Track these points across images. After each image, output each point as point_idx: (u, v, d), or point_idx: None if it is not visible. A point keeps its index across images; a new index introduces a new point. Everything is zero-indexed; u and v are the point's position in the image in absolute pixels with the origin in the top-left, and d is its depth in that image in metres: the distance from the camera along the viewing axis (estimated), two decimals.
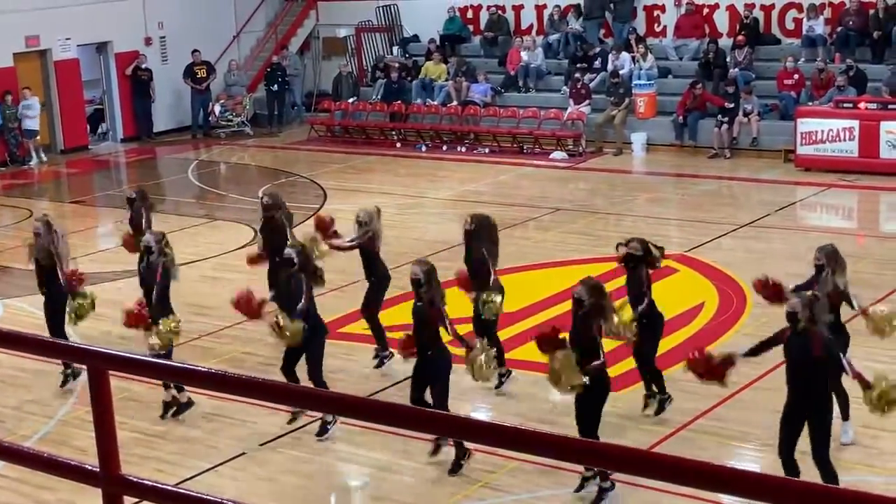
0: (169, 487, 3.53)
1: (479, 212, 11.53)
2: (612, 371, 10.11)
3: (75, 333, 12.45)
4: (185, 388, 10.63)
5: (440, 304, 9.38)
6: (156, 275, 10.61)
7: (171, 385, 10.73)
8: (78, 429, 10.38)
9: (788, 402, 8.46)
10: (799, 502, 2.62)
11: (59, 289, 11.28)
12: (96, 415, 3.32)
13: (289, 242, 11.25)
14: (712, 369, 8.65)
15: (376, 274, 11.67)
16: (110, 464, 3.30)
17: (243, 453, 10.01)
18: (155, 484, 3.48)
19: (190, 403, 10.74)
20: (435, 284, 9.45)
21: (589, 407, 8.85)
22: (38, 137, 23.76)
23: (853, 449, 9.63)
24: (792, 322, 8.33)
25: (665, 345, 11.85)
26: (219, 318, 13.27)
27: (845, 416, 9.55)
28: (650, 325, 10.03)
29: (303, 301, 9.95)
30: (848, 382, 8.86)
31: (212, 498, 3.26)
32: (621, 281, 10.52)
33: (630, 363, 10.54)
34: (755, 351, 8.79)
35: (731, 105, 21.23)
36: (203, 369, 3.26)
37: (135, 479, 3.38)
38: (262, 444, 10.15)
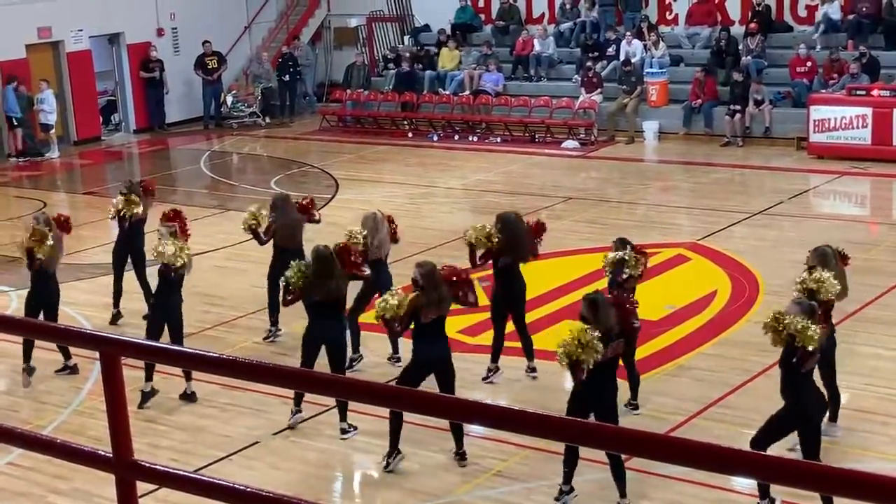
0: (182, 472, 3.56)
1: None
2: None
3: (88, 322, 12.51)
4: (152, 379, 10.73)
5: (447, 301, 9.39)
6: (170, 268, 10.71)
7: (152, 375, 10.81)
8: (92, 418, 10.44)
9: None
10: (818, 485, 2.62)
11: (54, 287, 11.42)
12: (109, 401, 3.34)
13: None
14: None
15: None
16: (123, 449, 3.32)
17: (256, 442, 10.05)
18: (168, 469, 3.50)
19: (154, 392, 10.78)
20: (438, 283, 9.33)
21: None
22: (53, 131, 23.78)
23: (861, 436, 9.62)
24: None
25: (678, 333, 11.90)
26: (231, 308, 13.31)
27: (834, 417, 9.47)
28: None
29: None
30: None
31: (224, 483, 3.27)
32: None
33: (639, 352, 10.50)
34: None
35: (736, 102, 21.11)
36: (215, 355, 3.27)
37: (148, 465, 3.40)
38: (275, 434, 10.19)
